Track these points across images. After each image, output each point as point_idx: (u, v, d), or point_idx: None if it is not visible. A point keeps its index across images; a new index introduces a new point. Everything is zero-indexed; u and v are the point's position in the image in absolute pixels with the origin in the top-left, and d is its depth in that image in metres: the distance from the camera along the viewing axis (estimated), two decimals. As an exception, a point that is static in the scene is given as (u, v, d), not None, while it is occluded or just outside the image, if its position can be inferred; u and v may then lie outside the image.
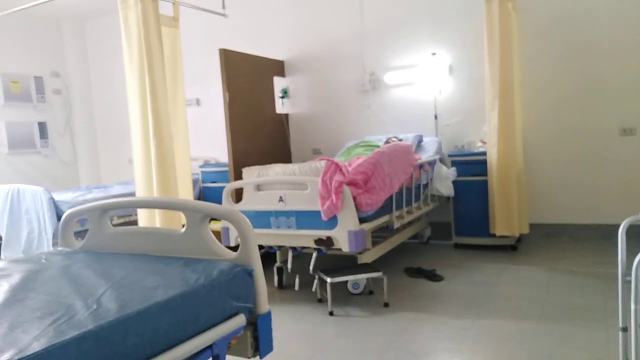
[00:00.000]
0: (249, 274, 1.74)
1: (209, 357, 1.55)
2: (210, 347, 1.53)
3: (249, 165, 3.97)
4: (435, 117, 4.79)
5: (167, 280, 1.56)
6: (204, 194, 5.52)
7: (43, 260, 1.93)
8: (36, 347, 1.13)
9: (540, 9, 4.41)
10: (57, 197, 4.42)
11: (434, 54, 4.73)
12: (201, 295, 1.53)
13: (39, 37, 6.59)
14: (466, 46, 4.65)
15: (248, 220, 1.82)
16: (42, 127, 6.52)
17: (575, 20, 4.30)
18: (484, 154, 4.21)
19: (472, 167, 4.28)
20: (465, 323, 2.83)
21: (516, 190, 4.07)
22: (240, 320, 1.64)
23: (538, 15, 4.42)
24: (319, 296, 3.38)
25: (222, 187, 5.19)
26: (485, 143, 4.34)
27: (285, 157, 5.49)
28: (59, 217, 4.23)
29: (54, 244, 4.19)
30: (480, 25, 4.21)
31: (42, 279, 1.67)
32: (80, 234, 4.06)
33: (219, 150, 5.87)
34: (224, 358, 1.59)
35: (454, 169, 4.27)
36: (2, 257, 4.56)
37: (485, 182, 4.19)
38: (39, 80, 6.49)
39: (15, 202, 4.46)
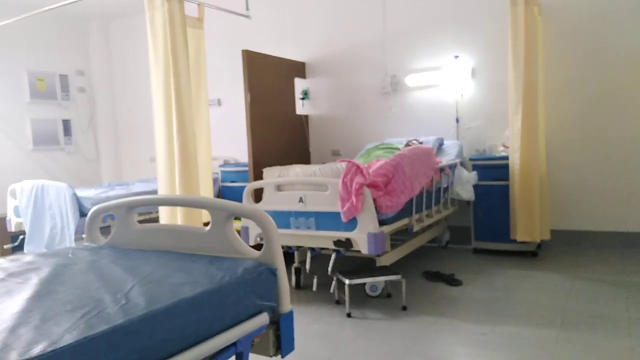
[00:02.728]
0: (273, 273, 1.75)
1: (232, 355, 1.56)
2: (234, 344, 1.54)
3: (268, 165, 4.00)
4: (457, 120, 4.76)
5: (193, 278, 1.58)
6: (223, 193, 5.56)
7: (70, 255, 1.97)
8: (68, 339, 1.15)
9: (565, 13, 4.36)
10: (80, 193, 4.49)
11: (456, 56, 4.70)
12: (226, 292, 1.55)
13: (66, 36, 6.72)
14: (489, 49, 4.62)
15: (272, 220, 1.83)
16: (66, 124, 6.65)
17: (600, 25, 4.24)
18: (506, 158, 4.17)
19: (493, 171, 4.25)
20: (485, 329, 2.80)
21: (538, 195, 4.03)
22: (263, 318, 1.66)
23: (563, 20, 4.37)
24: (336, 297, 3.38)
25: (241, 187, 5.25)
26: (507, 147, 4.30)
27: (304, 158, 5.50)
28: (81, 213, 4.30)
29: (77, 239, 4.26)
30: (504, 28, 4.17)
31: (71, 273, 1.70)
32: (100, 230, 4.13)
33: (239, 150, 5.92)
34: (248, 356, 1.61)
35: (475, 172, 4.24)
36: (25, 251, 4.65)
37: (507, 187, 4.15)
38: (64, 79, 6.61)
39: (39, 197, 4.55)
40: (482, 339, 2.68)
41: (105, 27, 7.09)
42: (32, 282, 1.61)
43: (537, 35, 4.08)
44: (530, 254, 4.23)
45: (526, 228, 4.03)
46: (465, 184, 4.17)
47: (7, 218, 5.05)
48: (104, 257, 1.91)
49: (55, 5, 4.49)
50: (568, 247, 4.42)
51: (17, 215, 4.86)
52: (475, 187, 4.21)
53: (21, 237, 4.88)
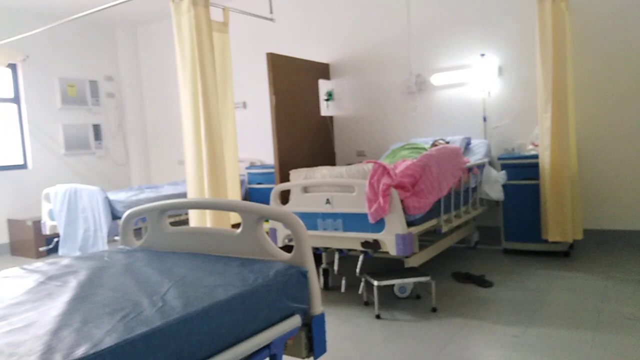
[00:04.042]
0: (304, 275, 1.76)
1: (266, 356, 1.58)
2: (268, 346, 1.56)
3: (294, 167, 4.02)
4: (484, 119, 4.70)
5: (226, 280, 1.60)
6: (250, 195, 5.61)
7: (106, 258, 2.02)
8: (109, 342, 1.19)
9: (593, 8, 4.26)
10: (112, 196, 4.60)
11: (482, 54, 4.64)
12: (259, 295, 1.56)
13: (94, 43, 6.89)
14: (516, 47, 4.54)
15: (302, 223, 1.84)
16: (97, 129, 6.81)
17: (630, 19, 4.13)
18: (536, 157, 4.10)
19: (522, 170, 4.18)
20: (517, 331, 2.76)
21: (570, 194, 3.94)
22: (296, 320, 1.67)
23: (592, 14, 4.27)
24: (365, 299, 3.37)
25: (268, 189, 5.32)
26: (536, 146, 4.23)
27: (329, 159, 5.51)
28: (113, 216, 4.40)
29: (109, 242, 4.36)
30: (531, 25, 4.10)
31: (107, 276, 1.74)
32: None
33: (265, 152, 5.97)
34: (281, 357, 1.62)
35: (503, 172, 4.17)
36: (60, 253, 4.78)
37: (537, 186, 4.08)
38: (93, 84, 6.78)
39: (72, 201, 4.67)
40: (514, 341, 2.64)
41: (132, 33, 7.24)
42: (71, 285, 1.66)
43: (565, 31, 4.00)
44: (562, 254, 4.14)
45: (558, 228, 3.95)
46: (494, 184, 4.11)
47: (42, 221, 5.20)
48: (139, 259, 1.95)
49: (84, 13, 4.61)
50: (601, 246, 4.32)
51: (52, 218, 5.00)
52: (504, 186, 4.15)
53: (55, 239, 5.02)
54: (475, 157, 4.30)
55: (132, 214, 2.22)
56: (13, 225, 5.80)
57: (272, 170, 5.25)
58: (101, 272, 1.79)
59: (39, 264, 2.02)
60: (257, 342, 1.51)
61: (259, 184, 5.59)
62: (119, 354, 1.17)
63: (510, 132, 4.61)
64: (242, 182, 5.53)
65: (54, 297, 1.55)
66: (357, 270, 3.37)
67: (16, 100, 6.17)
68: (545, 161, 4.00)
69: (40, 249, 5.45)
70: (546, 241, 4.05)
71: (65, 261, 2.02)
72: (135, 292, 1.52)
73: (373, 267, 3.58)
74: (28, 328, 1.32)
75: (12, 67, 6.11)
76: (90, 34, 6.81)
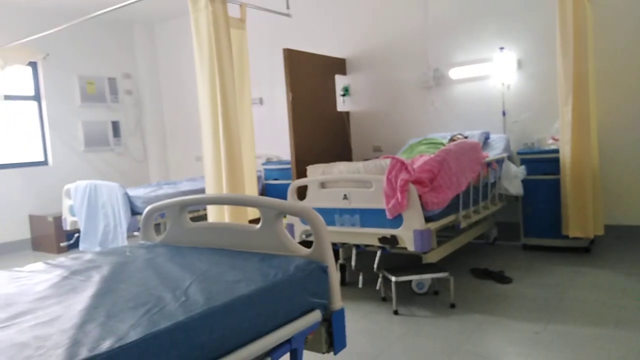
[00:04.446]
0: (324, 270, 1.76)
1: (287, 351, 1.58)
2: (289, 341, 1.56)
3: (310, 162, 4.01)
4: (503, 113, 4.65)
5: (247, 275, 1.61)
6: (266, 191, 5.63)
7: (127, 253, 2.04)
8: (133, 336, 1.20)
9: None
10: (131, 192, 4.65)
11: (501, 48, 4.58)
12: (280, 290, 1.57)
13: (113, 40, 6.96)
14: (536, 40, 4.48)
15: (322, 218, 1.84)
16: (115, 126, 6.89)
17: (657, 10, 4.04)
18: (556, 151, 4.04)
19: (542, 165, 4.12)
20: (537, 327, 2.73)
21: (591, 189, 3.88)
22: (316, 315, 1.67)
23: (613, 6, 4.18)
24: (382, 295, 3.37)
25: (284, 184, 5.33)
26: (557, 140, 4.17)
27: (345, 154, 5.50)
28: (132, 212, 4.45)
29: (128, 237, 4.42)
30: (551, 17, 4.04)
31: (130, 270, 1.77)
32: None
33: (281, 148, 5.98)
34: (302, 352, 1.62)
35: (523, 167, 4.12)
36: (80, 248, 4.86)
37: (557, 181, 4.02)
38: (112, 82, 6.85)
39: (92, 196, 4.74)
40: (534, 337, 2.61)
41: (150, 30, 7.30)
42: (95, 280, 1.68)
43: (586, 23, 3.92)
44: (582, 250, 4.08)
45: (578, 223, 3.89)
46: (513, 179, 4.06)
47: (63, 217, 5.28)
48: (160, 254, 1.97)
49: (103, 10, 4.65)
50: (623, 242, 4.25)
51: (72, 214, 5.07)
52: (524, 181, 4.10)
53: (76, 235, 5.10)
54: (494, 152, 4.26)
55: (153, 209, 2.24)
56: (34, 221, 5.91)
57: (288, 166, 5.26)
58: (123, 267, 1.82)
59: (62, 259, 2.05)
60: (278, 336, 1.52)
61: (276, 179, 5.60)
62: (143, 348, 1.18)
63: (530, 127, 4.55)
64: (258, 178, 5.55)
65: (78, 292, 1.58)
66: (375, 266, 3.36)
67: (37, 98, 6.27)
68: (566, 156, 3.94)
69: (61, 244, 5.54)
70: (566, 237, 4.00)
71: (88, 256, 2.05)
72: (158, 287, 1.54)
73: (390, 262, 3.56)
74: (54, 322, 1.34)
75: (33, 65, 6.21)
76: (108, 32, 6.89)
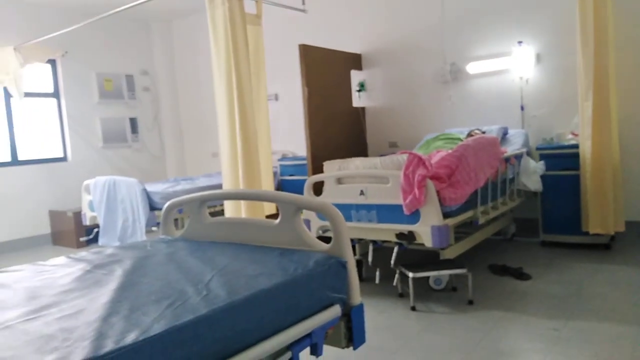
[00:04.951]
0: (343, 265, 1.77)
1: (307, 345, 1.59)
2: (309, 335, 1.57)
3: (326, 158, 4.01)
4: (522, 108, 4.59)
5: (267, 269, 1.62)
6: (282, 187, 5.65)
7: (148, 248, 2.07)
8: (157, 329, 1.21)
9: (640, -9, 4.09)
10: (149, 188, 4.70)
11: (520, 42, 4.53)
12: (300, 284, 1.57)
13: (130, 37, 7.03)
14: (555, 33, 4.41)
15: (341, 214, 1.84)
16: (133, 122, 6.97)
17: (681, 1, 3.95)
18: (576, 146, 3.99)
19: (562, 160, 4.07)
20: (557, 324, 2.70)
21: (612, 185, 3.82)
22: (336, 310, 1.68)
23: (637, -2, 4.10)
24: (399, 291, 3.36)
25: (300, 180, 5.33)
26: (576, 135, 4.11)
27: (361, 150, 5.49)
28: (151, 207, 4.50)
29: (147, 232, 4.46)
30: (571, 10, 3.97)
31: (151, 264, 1.79)
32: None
33: (296, 144, 5.99)
34: (322, 347, 1.63)
35: (542, 162, 4.07)
36: (99, 243, 4.92)
37: (577, 177, 3.97)
38: (129, 79, 6.92)
39: (111, 192, 4.80)
40: (554, 334, 2.59)
41: (166, 27, 7.35)
42: (117, 274, 1.71)
43: (607, 16, 3.85)
44: (603, 247, 4.03)
45: (599, 219, 3.84)
46: (532, 175, 4.01)
47: (82, 212, 5.36)
48: (180, 249, 1.99)
49: (121, 8, 4.70)
50: (644, 239, 4.18)
51: (92, 209, 5.15)
52: (543, 177, 4.05)
53: (95, 230, 5.17)
54: (512, 147, 4.21)
55: (173, 204, 2.27)
56: (54, 216, 6.00)
57: (304, 161, 5.26)
58: (145, 261, 1.84)
59: (84, 253, 2.08)
60: (298, 331, 1.53)
61: (291, 175, 5.62)
62: (167, 341, 1.20)
63: (549, 122, 4.49)
64: (274, 174, 5.57)
65: (102, 285, 1.60)
66: (392, 261, 3.36)
67: (56, 94, 6.36)
68: (586, 151, 3.88)
69: (81, 239, 5.62)
70: (586, 233, 3.94)
71: (110, 250, 2.08)
72: (180, 281, 1.55)
73: (407, 258, 3.55)
74: (79, 315, 1.36)
75: (52, 62, 6.29)
76: (125, 29, 6.95)
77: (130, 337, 1.17)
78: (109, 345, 1.14)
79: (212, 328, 1.29)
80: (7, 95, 5.82)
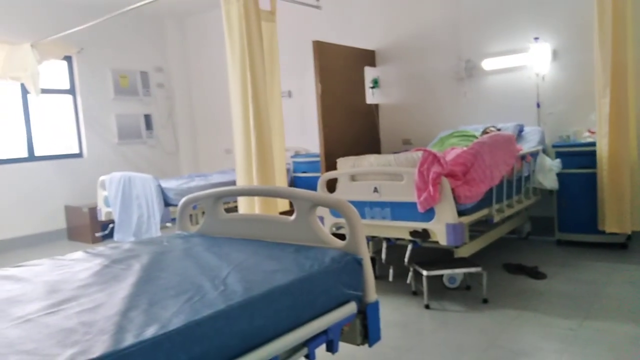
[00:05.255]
0: (359, 262, 1.77)
1: (324, 342, 1.59)
2: (325, 332, 1.57)
3: (339, 155, 4.00)
4: (538, 105, 4.54)
5: (283, 265, 1.63)
6: (295, 183, 5.66)
7: (165, 243, 2.08)
8: (176, 323, 1.23)
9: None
10: (163, 184, 4.73)
11: (536, 38, 4.47)
12: (316, 281, 1.58)
13: (144, 34, 7.07)
14: (572, 29, 4.35)
15: (356, 211, 1.84)
16: (148, 119, 7.02)
17: (703, -3, 3.87)
18: (593, 144, 3.94)
19: (578, 158, 4.02)
20: (573, 324, 2.68)
21: (629, 184, 3.77)
22: (352, 307, 1.68)
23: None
24: (413, 288, 3.35)
25: (312, 177, 5.34)
26: (593, 133, 4.06)
27: (374, 147, 5.47)
28: (165, 203, 4.53)
29: (161, 227, 4.50)
30: (589, 6, 3.92)
31: (169, 260, 1.80)
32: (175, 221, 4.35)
33: (309, 141, 5.99)
34: (338, 343, 1.63)
35: (558, 160, 4.03)
36: (115, 238, 4.97)
37: (594, 175, 3.92)
38: (144, 75, 6.97)
39: (126, 188, 4.84)
40: (570, 334, 2.56)
41: (180, 24, 7.38)
42: (135, 269, 1.72)
43: (626, 11, 3.79)
44: (619, 246, 3.98)
45: (615, 218, 3.79)
46: (548, 172, 3.97)
47: (98, 208, 5.42)
48: (196, 245, 2.00)
49: (135, 5, 4.73)
50: (662, 239, 4.12)
51: (107, 205, 5.20)
52: (559, 175, 4.01)
53: (110, 225, 5.22)
54: (528, 145, 4.17)
55: (189, 200, 2.28)
56: (70, 211, 6.08)
57: (317, 158, 5.26)
58: (162, 256, 1.85)
59: (102, 248, 2.11)
60: (314, 327, 1.53)
61: (304, 172, 5.62)
62: (186, 335, 1.21)
63: (566, 119, 4.44)
64: (287, 171, 5.57)
65: (120, 280, 1.62)
66: (406, 259, 3.35)
67: (72, 91, 6.42)
68: (603, 149, 3.83)
69: (96, 234, 5.68)
70: (603, 232, 3.90)
71: (127, 245, 2.10)
72: (197, 276, 1.57)
73: (421, 256, 3.54)
74: (98, 309, 1.38)
75: (68, 59, 6.35)
76: (140, 26, 7.00)
77: (150, 331, 1.18)
78: (129, 339, 1.15)
79: (230, 323, 1.30)
80: (24, 92, 5.90)
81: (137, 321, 1.25)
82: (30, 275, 1.77)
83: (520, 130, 4.40)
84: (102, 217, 5.33)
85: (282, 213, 4.12)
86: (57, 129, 6.33)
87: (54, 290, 1.57)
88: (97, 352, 1.09)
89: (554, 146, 4.20)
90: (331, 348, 1.62)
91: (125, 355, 1.10)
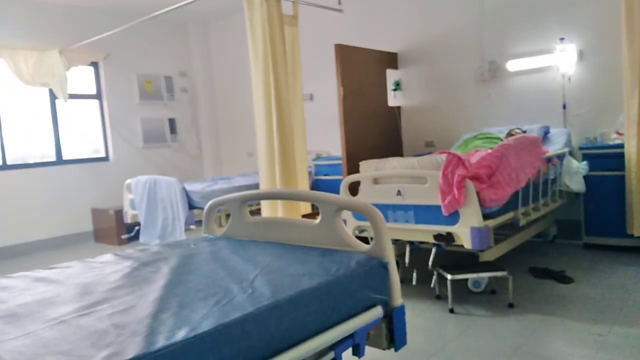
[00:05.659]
0: (384, 267, 1.76)
1: (350, 346, 1.60)
2: (351, 336, 1.58)
3: (361, 158, 3.99)
4: (564, 106, 4.47)
5: (309, 269, 1.64)
6: (317, 186, 5.67)
7: (192, 246, 2.12)
8: (206, 325, 1.24)
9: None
10: (188, 187, 4.80)
11: (562, 39, 4.40)
12: (342, 285, 1.58)
13: (168, 39, 7.18)
14: (599, 29, 4.27)
15: (382, 215, 1.84)
16: (172, 123, 7.13)
17: None
18: (621, 146, 3.86)
19: (606, 161, 3.94)
20: (602, 329, 2.63)
21: (660, 186, 3.69)
22: (378, 311, 1.68)
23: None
24: (437, 292, 3.32)
25: (334, 180, 5.34)
26: (621, 134, 3.97)
27: (396, 150, 5.45)
28: (189, 206, 4.59)
29: (186, 230, 4.56)
30: (616, 5, 3.85)
31: (196, 262, 1.83)
32: (200, 223, 4.41)
33: (330, 144, 6.00)
34: (364, 348, 1.63)
35: (585, 162, 3.95)
36: (140, 240, 5.06)
37: (622, 178, 3.84)
38: (168, 80, 7.08)
39: (152, 191, 4.92)
40: (598, 340, 2.51)
41: (203, 29, 7.48)
42: (164, 271, 1.75)
43: (656, 10, 3.71)
44: (649, 250, 3.89)
45: (645, 222, 3.70)
46: (574, 175, 3.90)
47: (124, 210, 5.51)
48: (223, 247, 2.03)
49: (161, 11, 4.81)
50: (695, 243, 4.00)
51: (133, 207, 5.29)
52: (585, 178, 3.94)
53: (136, 227, 5.31)
54: (554, 147, 4.11)
55: (215, 203, 2.31)
56: (96, 214, 6.20)
57: (338, 161, 5.27)
58: (190, 259, 1.88)
59: (130, 251, 2.15)
60: (341, 331, 1.53)
61: (326, 175, 5.63)
62: (216, 338, 1.23)
63: (593, 120, 4.36)
64: (309, 174, 5.59)
65: (149, 282, 1.65)
66: (430, 263, 3.32)
67: (98, 96, 6.56)
68: (631, 151, 3.76)
69: (122, 236, 5.78)
70: (631, 236, 3.82)
71: (155, 248, 2.14)
72: (224, 279, 1.59)
73: (445, 259, 3.51)
74: (129, 311, 1.41)
75: (95, 65, 6.50)
76: (164, 32, 7.11)
77: (181, 334, 1.21)
78: (160, 342, 1.17)
79: (258, 326, 1.31)
80: (53, 97, 6.05)
81: (167, 323, 1.28)
82: (63, 277, 1.81)
83: (545, 132, 4.33)
84: (128, 220, 5.42)
85: (304, 216, 4.14)
86: (84, 133, 6.47)
87: (86, 292, 1.61)
88: (131, 354, 1.11)
89: (580, 148, 4.12)
90: (357, 352, 1.62)
91: (158, 357, 1.13)
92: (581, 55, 4.39)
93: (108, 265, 1.96)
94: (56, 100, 6.07)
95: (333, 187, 5.10)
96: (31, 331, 1.31)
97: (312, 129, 5.93)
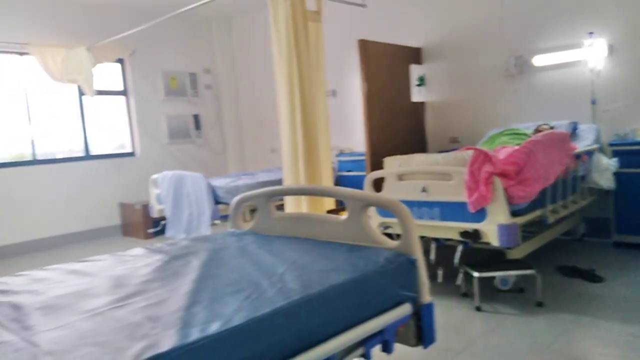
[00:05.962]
0: (412, 263, 1.76)
1: (379, 342, 1.59)
2: (380, 332, 1.57)
3: (384, 154, 3.97)
4: (593, 102, 4.37)
5: (336, 265, 1.64)
6: (340, 182, 5.67)
7: (220, 240, 2.14)
8: (238, 319, 1.26)
9: None
10: (213, 182, 4.84)
11: (591, 33, 4.30)
12: (371, 281, 1.58)
13: (193, 36, 7.25)
14: (630, 23, 4.15)
15: (409, 212, 1.83)
16: (196, 119, 7.20)
17: None
18: (653, 142, 3.76)
19: (637, 157, 3.84)
20: (635, 329, 2.57)
21: (695, 184, 3.58)
22: (406, 308, 1.67)
23: None
24: (463, 290, 3.29)
25: (358, 176, 5.34)
26: (654, 131, 3.87)
27: (420, 146, 5.41)
28: (215, 201, 4.63)
29: (211, 224, 4.60)
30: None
31: (225, 257, 1.85)
32: (225, 218, 4.44)
33: (353, 140, 5.99)
34: (393, 344, 1.63)
35: (615, 159, 3.86)
36: (167, 235, 5.13)
37: (654, 175, 3.74)
38: (193, 77, 7.15)
39: (177, 186, 4.98)
40: (632, 340, 2.46)
41: (227, 26, 7.52)
42: (194, 265, 1.78)
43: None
44: (683, 249, 3.78)
45: (679, 220, 3.60)
46: (604, 172, 3.81)
47: (150, 205, 5.60)
48: (250, 242, 2.04)
49: (185, 8, 4.85)
50: None
51: (159, 202, 5.36)
52: (616, 174, 3.84)
53: (162, 222, 5.39)
54: (583, 143, 4.02)
55: (242, 199, 2.33)
56: (124, 208, 6.31)
57: (361, 157, 5.26)
58: (219, 253, 1.90)
59: (160, 245, 2.18)
60: (370, 327, 1.53)
61: (349, 171, 5.62)
62: (247, 332, 1.24)
63: (623, 116, 4.25)
64: (332, 170, 5.59)
65: (180, 276, 1.67)
66: (456, 260, 3.29)
67: (125, 92, 6.67)
68: (664, 147, 3.65)
69: (148, 230, 5.88)
70: (665, 235, 3.72)
71: (184, 242, 2.16)
72: (254, 273, 1.60)
73: (471, 257, 3.48)
74: (162, 304, 1.43)
75: (121, 61, 6.60)
76: (188, 28, 7.18)
77: (214, 327, 1.22)
78: (194, 334, 1.19)
79: (288, 320, 1.32)
80: (81, 94, 6.16)
81: (200, 316, 1.29)
82: (96, 270, 1.85)
83: (574, 128, 4.24)
84: (155, 214, 5.50)
85: (328, 212, 4.14)
86: (111, 129, 6.58)
87: (119, 285, 1.64)
88: (166, 347, 1.13)
89: (610, 144, 4.03)
90: (387, 348, 1.62)
91: (192, 350, 1.14)
92: (611, 49, 4.28)
93: (139, 258, 1.99)
94: (83, 97, 6.18)
95: (356, 183, 5.08)
96: (67, 323, 1.34)
97: (335, 124, 5.93)
